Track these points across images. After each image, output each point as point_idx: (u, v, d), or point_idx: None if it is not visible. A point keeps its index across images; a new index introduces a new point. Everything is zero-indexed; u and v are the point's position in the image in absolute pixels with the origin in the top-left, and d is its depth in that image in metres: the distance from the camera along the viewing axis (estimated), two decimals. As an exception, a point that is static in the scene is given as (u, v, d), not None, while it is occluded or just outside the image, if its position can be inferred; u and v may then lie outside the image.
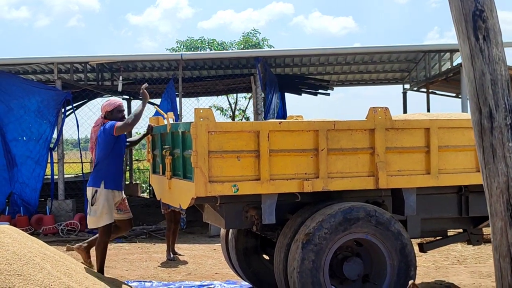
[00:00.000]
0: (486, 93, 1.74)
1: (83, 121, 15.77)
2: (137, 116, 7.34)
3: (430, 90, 17.56)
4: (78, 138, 15.70)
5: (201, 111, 6.24)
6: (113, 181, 7.12)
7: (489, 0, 1.72)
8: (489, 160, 1.68)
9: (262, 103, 15.05)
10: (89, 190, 7.14)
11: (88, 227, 7.50)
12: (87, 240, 7.58)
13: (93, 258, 7.53)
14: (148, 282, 8.90)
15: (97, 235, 7.34)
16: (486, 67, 1.73)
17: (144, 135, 7.83)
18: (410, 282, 1.73)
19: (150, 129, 7.61)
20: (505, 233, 1.67)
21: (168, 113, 7.57)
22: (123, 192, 7.39)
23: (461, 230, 7.92)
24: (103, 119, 7.34)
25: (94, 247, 7.34)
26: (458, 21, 1.71)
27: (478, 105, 1.77)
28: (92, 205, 7.06)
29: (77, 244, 7.58)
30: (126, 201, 7.38)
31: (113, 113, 7.34)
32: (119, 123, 7.14)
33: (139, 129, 12.71)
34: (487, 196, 1.64)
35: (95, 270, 7.13)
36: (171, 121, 7.36)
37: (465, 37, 1.72)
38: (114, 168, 7.14)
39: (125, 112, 7.88)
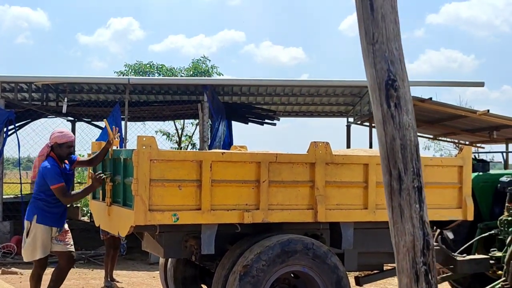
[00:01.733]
0: (396, 157, 1.82)
1: (25, 141, 15.46)
2: (78, 197, 7.15)
3: (373, 124, 17.82)
4: (19, 158, 15.44)
5: (144, 138, 6.21)
6: (47, 218, 6.81)
7: (401, 70, 1.80)
8: (397, 220, 1.75)
9: (209, 130, 15.08)
10: (26, 223, 6.94)
11: (24, 260, 7.26)
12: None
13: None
14: (84, 309, 8.76)
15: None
16: (397, 132, 1.81)
17: (105, 150, 7.24)
18: None
19: (109, 143, 7.17)
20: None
21: (114, 129, 7.35)
22: (64, 226, 7.10)
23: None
24: (49, 148, 7.01)
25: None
26: (372, 89, 1.78)
27: (389, 167, 1.85)
28: (26, 237, 6.89)
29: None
30: (69, 233, 7.13)
31: (62, 147, 7.01)
32: (59, 188, 6.76)
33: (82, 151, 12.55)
34: (395, 254, 1.71)
35: None
36: (114, 147, 7.28)
37: (378, 104, 1.80)
38: (50, 205, 6.88)
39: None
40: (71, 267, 7.08)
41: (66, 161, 7.14)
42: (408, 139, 1.80)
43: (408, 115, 1.79)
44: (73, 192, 7.06)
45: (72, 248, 7.04)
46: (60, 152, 6.97)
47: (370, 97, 1.80)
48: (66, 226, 7.11)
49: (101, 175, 7.10)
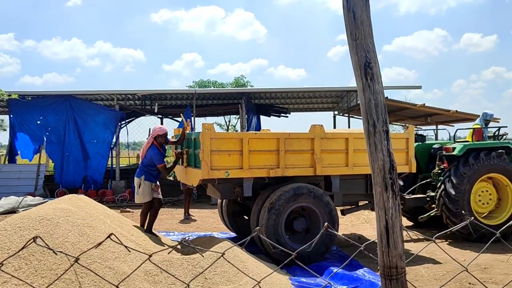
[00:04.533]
0: (371, 111, 1.81)
1: (132, 131, 15.72)
2: (171, 169, 7.11)
3: (350, 115, 17.70)
4: (127, 142, 15.64)
5: (206, 125, 6.27)
6: (149, 177, 6.91)
7: (374, 56, 1.79)
8: (373, 151, 1.75)
9: (246, 121, 15.07)
10: (136, 180, 7.00)
11: (136, 202, 7.37)
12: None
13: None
14: (172, 232, 8.89)
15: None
16: (372, 96, 1.80)
17: (176, 161, 7.27)
18: (326, 224, 1.76)
19: (180, 153, 7.23)
20: (382, 194, 1.74)
21: (187, 121, 7.50)
22: (157, 182, 7.17)
23: (367, 202, 8.01)
24: (153, 138, 6.99)
25: (132, 211, 7.17)
26: (355, 68, 1.78)
27: (367, 118, 1.85)
28: (138, 188, 6.97)
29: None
30: (159, 187, 7.20)
31: (161, 137, 6.94)
32: (162, 166, 6.82)
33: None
34: (372, 173, 1.73)
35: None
36: (187, 131, 7.33)
37: (359, 78, 1.80)
38: (151, 171, 6.91)
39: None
40: (160, 207, 7.14)
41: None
42: (380, 100, 1.80)
43: (379, 85, 1.79)
44: (167, 166, 7.08)
45: (161, 196, 7.14)
46: (160, 140, 6.98)
47: (354, 74, 1.79)
48: (157, 182, 7.16)
49: (179, 151, 7.20)
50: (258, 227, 1.81)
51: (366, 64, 1.72)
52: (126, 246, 1.44)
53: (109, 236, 1.44)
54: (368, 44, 1.73)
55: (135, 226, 6.50)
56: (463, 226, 7.69)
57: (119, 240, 1.42)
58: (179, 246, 6.07)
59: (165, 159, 7.14)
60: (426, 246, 2.26)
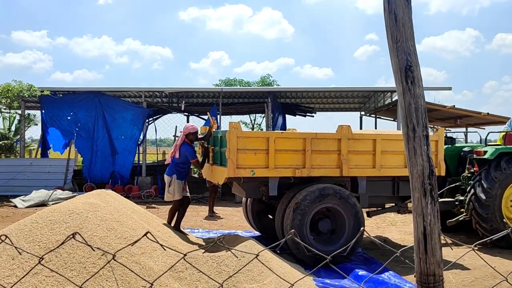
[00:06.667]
0: (412, 116, 1.76)
1: (159, 128, 15.88)
2: (203, 163, 7.16)
3: (377, 116, 17.47)
4: (156, 139, 15.82)
5: (233, 124, 6.27)
6: (181, 175, 6.99)
7: (415, 59, 1.75)
8: (412, 156, 1.70)
9: (271, 121, 15.04)
10: (167, 178, 7.07)
11: (165, 200, 7.42)
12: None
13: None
14: (196, 229, 8.95)
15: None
16: (412, 100, 1.75)
17: (205, 156, 7.34)
18: (362, 228, 1.74)
19: (206, 148, 7.33)
20: (420, 200, 1.69)
21: (213, 119, 7.56)
22: (186, 181, 7.23)
23: (393, 204, 7.88)
24: (185, 135, 7.09)
25: (157, 207, 7.27)
26: (396, 72, 1.74)
27: (407, 123, 1.80)
28: (169, 187, 7.05)
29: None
30: (187, 186, 7.26)
31: (193, 135, 7.07)
32: (195, 161, 6.95)
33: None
34: (410, 178, 1.69)
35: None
36: (213, 129, 7.36)
37: (400, 82, 1.76)
38: (183, 170, 7.01)
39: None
40: (189, 204, 7.19)
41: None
42: (420, 104, 1.75)
43: (420, 89, 1.74)
44: (201, 162, 7.13)
45: (189, 194, 7.20)
46: (191, 138, 7.06)
47: (394, 77, 1.75)
48: (186, 182, 7.21)
49: (205, 144, 7.33)
50: (293, 230, 1.79)
51: (407, 67, 1.68)
52: (162, 245, 1.44)
53: (145, 235, 1.44)
54: (409, 46, 1.69)
55: (162, 223, 6.56)
56: (494, 231, 7.47)
57: (155, 239, 1.42)
58: (210, 245, 6.09)
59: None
60: (465, 254, 2.18)
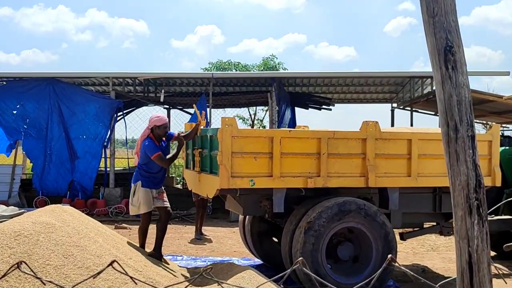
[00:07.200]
0: (453, 110, 1.78)
1: (131, 125, 15.86)
2: (173, 158, 7.14)
3: (413, 109, 17.47)
4: (126, 138, 15.84)
5: (227, 119, 6.30)
6: (149, 182, 6.97)
7: (457, 38, 1.76)
8: (454, 163, 1.72)
9: (276, 115, 15.07)
10: (132, 186, 7.11)
11: (130, 214, 7.52)
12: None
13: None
14: (179, 256, 8.96)
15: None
16: (453, 90, 1.76)
17: (195, 130, 7.37)
18: (390, 256, 1.74)
19: (198, 124, 7.35)
20: (464, 220, 1.70)
21: (203, 113, 7.54)
22: (161, 187, 7.23)
23: (435, 223, 7.88)
24: (149, 130, 7.06)
25: (129, 227, 7.30)
26: (432, 54, 1.76)
27: (446, 120, 1.81)
28: (133, 197, 7.06)
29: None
30: (164, 194, 7.25)
31: (160, 129, 7.01)
32: (157, 156, 6.83)
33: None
34: (451, 191, 1.71)
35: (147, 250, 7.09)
36: (202, 127, 7.38)
37: (438, 67, 1.77)
38: (149, 174, 6.98)
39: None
40: (169, 219, 7.21)
41: (164, 139, 7.23)
42: (463, 96, 1.76)
43: (463, 76, 1.75)
44: (168, 156, 7.10)
45: (168, 205, 7.17)
46: (158, 132, 7.02)
47: (430, 61, 1.76)
48: (162, 188, 7.22)
49: (182, 133, 7.39)
50: (300, 258, 1.80)
51: (446, 48, 1.69)
52: (132, 278, 1.45)
53: (111, 264, 1.45)
54: (449, 22, 1.70)
55: (134, 247, 6.58)
56: None
57: (124, 270, 1.42)
58: (197, 278, 6.10)
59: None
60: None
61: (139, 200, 6.95)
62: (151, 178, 7.00)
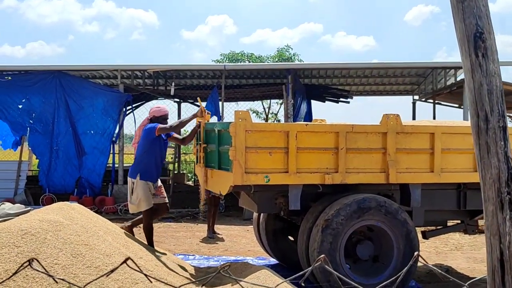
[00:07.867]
0: (483, 100, 1.76)
1: (140, 119, 15.91)
2: (182, 124, 7.11)
3: (436, 101, 17.37)
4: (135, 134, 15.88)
5: (240, 113, 6.29)
6: (147, 174, 6.97)
7: (488, 24, 1.74)
8: (484, 155, 1.70)
9: (292, 108, 15.05)
10: (129, 181, 7.10)
11: (130, 212, 7.50)
12: (131, 221, 7.39)
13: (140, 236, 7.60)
14: (191, 255, 9.00)
15: (140, 216, 7.26)
16: (484, 79, 1.75)
17: (194, 132, 7.46)
18: (416, 253, 1.74)
19: (198, 126, 7.37)
20: (496, 215, 1.69)
21: (205, 110, 7.45)
22: (158, 181, 7.23)
23: (459, 221, 7.84)
24: (149, 121, 7.13)
25: (139, 226, 7.34)
26: (461, 41, 1.74)
27: (476, 110, 1.80)
28: (131, 194, 7.07)
29: (122, 224, 7.40)
30: (162, 188, 7.26)
31: (159, 119, 7.09)
32: (161, 125, 6.90)
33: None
34: (481, 185, 1.69)
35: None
36: (206, 121, 7.33)
37: (467, 54, 1.75)
38: (149, 164, 6.98)
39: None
40: (166, 211, 7.29)
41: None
42: (494, 85, 1.74)
43: (494, 64, 1.73)
44: (172, 124, 7.06)
45: (167, 200, 7.24)
46: (158, 123, 7.07)
47: (459, 49, 1.74)
48: (159, 182, 7.23)
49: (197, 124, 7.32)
50: (322, 256, 1.79)
51: (476, 34, 1.67)
52: (146, 275, 1.45)
53: (125, 261, 1.45)
54: (480, 7, 1.68)
55: (144, 246, 6.61)
56: None
57: (138, 268, 1.43)
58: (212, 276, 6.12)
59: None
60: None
61: (139, 197, 6.96)
62: (150, 168, 6.99)
